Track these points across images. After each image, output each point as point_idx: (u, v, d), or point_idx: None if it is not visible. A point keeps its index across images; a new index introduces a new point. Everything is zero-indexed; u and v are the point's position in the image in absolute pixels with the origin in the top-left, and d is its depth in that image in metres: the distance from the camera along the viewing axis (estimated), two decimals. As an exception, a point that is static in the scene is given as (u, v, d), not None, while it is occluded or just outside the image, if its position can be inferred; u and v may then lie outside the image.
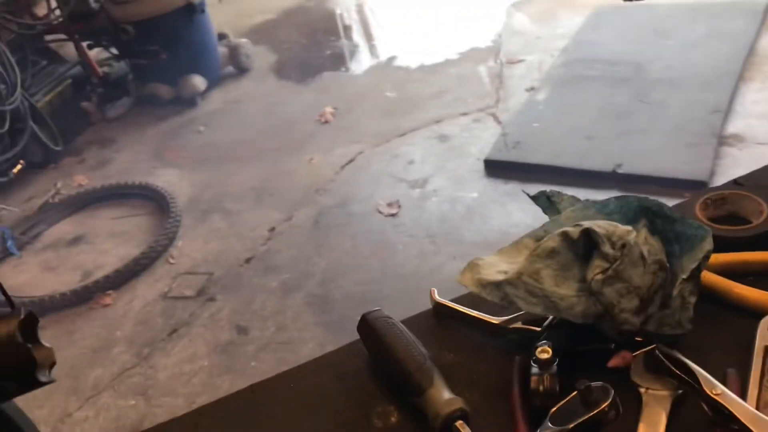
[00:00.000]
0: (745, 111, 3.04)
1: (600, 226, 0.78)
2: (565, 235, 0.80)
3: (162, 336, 2.66)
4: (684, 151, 2.83)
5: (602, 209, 0.87)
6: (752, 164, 3.03)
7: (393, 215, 2.99)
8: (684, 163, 2.75)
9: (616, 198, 0.87)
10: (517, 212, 2.80)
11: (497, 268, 0.85)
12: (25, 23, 4.01)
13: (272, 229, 3.09)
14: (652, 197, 0.86)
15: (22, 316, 0.59)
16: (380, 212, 3.03)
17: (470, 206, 2.94)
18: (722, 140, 2.87)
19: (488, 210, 2.88)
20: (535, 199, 0.93)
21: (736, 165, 2.73)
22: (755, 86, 3.19)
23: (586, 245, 0.80)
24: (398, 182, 3.19)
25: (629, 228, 0.79)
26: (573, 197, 0.91)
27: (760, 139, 2.85)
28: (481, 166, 3.12)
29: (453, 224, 2.86)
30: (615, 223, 0.80)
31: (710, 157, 2.76)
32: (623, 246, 0.77)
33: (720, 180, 2.65)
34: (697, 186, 2.61)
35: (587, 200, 0.89)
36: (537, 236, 0.88)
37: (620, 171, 2.80)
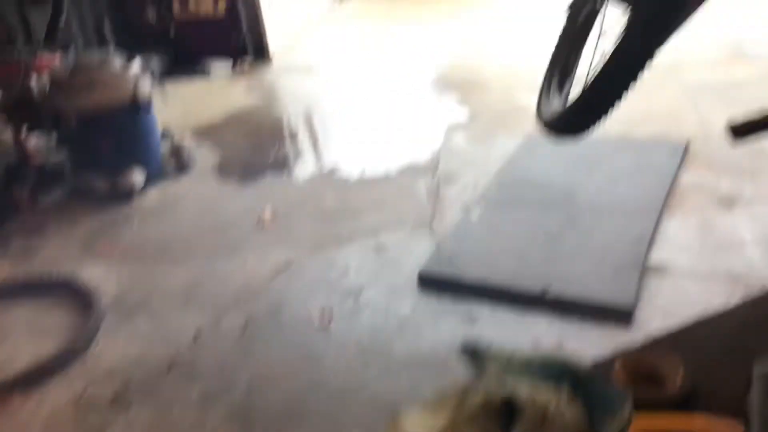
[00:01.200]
0: (668, 241, 3.19)
1: (523, 391, 0.80)
2: (487, 403, 0.81)
3: (69, 445, 2.50)
4: (610, 278, 2.93)
5: (527, 368, 0.89)
6: (674, 294, 3.12)
7: (324, 326, 2.96)
8: (610, 291, 2.84)
9: (541, 359, 0.89)
10: (447, 329, 2.81)
11: (422, 425, 0.85)
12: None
13: (198, 334, 3.00)
14: (574, 359, 0.89)
15: None
16: (311, 322, 2.99)
17: (402, 320, 2.93)
18: (646, 270, 2.98)
19: (420, 325, 2.88)
20: (463, 352, 0.95)
21: (659, 295, 2.83)
22: (677, 218, 3.36)
23: (507, 410, 0.81)
24: (332, 292, 3.18)
25: (550, 396, 0.81)
26: (499, 350, 0.92)
27: (682, 270, 2.98)
28: (414, 279, 3.14)
29: (384, 338, 2.84)
30: (538, 386, 0.81)
31: (635, 285, 2.85)
32: (544, 418, 0.78)
33: (644, 309, 2.74)
34: (622, 315, 2.70)
35: (513, 353, 0.90)
36: (462, 390, 0.89)
37: (549, 295, 2.85)
